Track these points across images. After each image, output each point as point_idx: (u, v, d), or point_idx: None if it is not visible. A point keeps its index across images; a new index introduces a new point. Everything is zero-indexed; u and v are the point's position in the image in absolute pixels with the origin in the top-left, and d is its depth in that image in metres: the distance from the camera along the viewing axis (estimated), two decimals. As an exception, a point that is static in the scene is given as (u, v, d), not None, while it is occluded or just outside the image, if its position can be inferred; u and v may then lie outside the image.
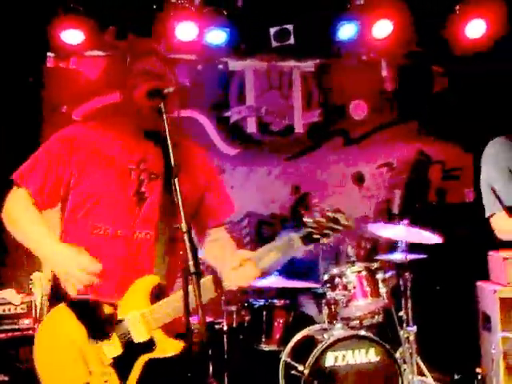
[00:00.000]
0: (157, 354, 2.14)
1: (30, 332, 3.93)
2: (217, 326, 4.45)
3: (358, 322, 4.22)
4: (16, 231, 2.24)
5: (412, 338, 4.31)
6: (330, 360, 3.86)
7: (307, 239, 2.24)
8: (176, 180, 2.00)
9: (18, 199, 2.26)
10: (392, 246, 4.94)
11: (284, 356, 4.08)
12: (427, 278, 5.17)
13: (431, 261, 4.80)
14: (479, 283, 4.80)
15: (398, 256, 4.62)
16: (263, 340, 4.30)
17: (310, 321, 4.59)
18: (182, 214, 1.96)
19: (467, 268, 5.08)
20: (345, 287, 4.20)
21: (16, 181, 2.27)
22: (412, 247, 4.53)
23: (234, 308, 4.49)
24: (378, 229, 4.67)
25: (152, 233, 2.24)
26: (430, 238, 4.43)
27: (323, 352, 3.84)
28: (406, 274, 4.41)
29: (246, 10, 5.25)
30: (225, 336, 4.37)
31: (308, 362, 3.81)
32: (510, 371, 4.11)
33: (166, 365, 2.16)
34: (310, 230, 2.22)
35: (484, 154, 2.89)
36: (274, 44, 5.51)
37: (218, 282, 2.22)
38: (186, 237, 1.93)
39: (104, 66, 5.59)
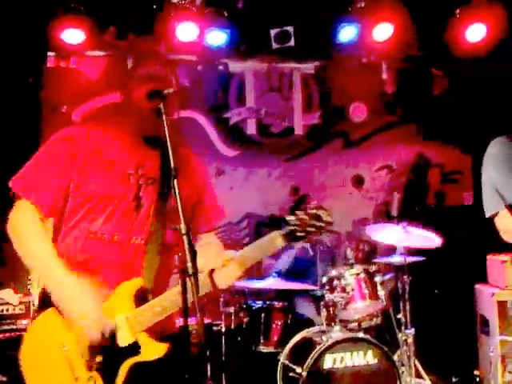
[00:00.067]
0: (142, 357, 2.12)
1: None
2: (215, 328, 4.44)
3: (356, 324, 4.21)
4: (24, 254, 2.19)
5: (410, 340, 4.31)
6: (328, 362, 3.86)
7: (290, 237, 2.24)
8: (175, 182, 1.99)
9: (26, 218, 2.19)
10: (391, 248, 4.94)
11: (282, 358, 4.08)
12: (426, 281, 5.18)
13: (430, 263, 4.81)
14: (478, 286, 4.81)
15: (396, 259, 4.63)
16: (261, 342, 4.30)
17: (309, 323, 4.59)
18: (182, 215, 1.96)
19: (466, 271, 5.09)
20: (343, 289, 4.20)
21: (19, 193, 2.21)
22: (411, 250, 4.54)
23: (232, 309, 4.48)
24: (375, 233, 4.66)
25: (145, 238, 2.24)
26: (430, 238, 4.42)
27: (321, 354, 3.84)
28: (405, 276, 4.41)
29: (246, 12, 5.25)
30: (223, 337, 4.37)
31: (306, 364, 3.81)
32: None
33: (152, 368, 2.14)
34: (292, 227, 2.23)
35: (486, 154, 2.88)
36: (275, 46, 5.51)
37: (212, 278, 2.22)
38: (185, 238, 1.93)
39: (104, 65, 5.60)
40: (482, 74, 5.58)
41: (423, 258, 4.72)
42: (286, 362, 4.04)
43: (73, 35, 4.99)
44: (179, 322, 2.62)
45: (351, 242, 5.95)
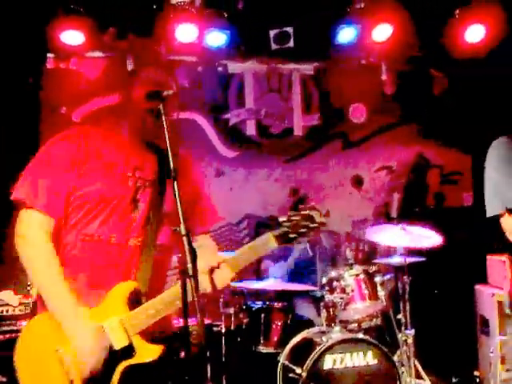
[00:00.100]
0: (136, 360, 2.12)
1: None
2: (215, 329, 4.44)
3: (356, 324, 4.21)
4: (32, 277, 2.18)
5: (410, 341, 4.31)
6: (328, 363, 3.86)
7: (282, 238, 2.24)
8: (175, 183, 1.99)
9: (36, 234, 2.16)
10: (391, 249, 4.94)
11: (282, 358, 4.08)
12: (425, 282, 5.18)
13: (430, 264, 4.81)
14: (477, 287, 4.82)
15: (396, 259, 4.63)
16: (261, 342, 4.30)
17: (308, 323, 4.59)
18: (181, 216, 1.96)
19: (466, 271, 5.09)
20: (343, 290, 4.20)
21: (24, 201, 2.18)
22: (410, 250, 4.54)
23: (232, 310, 4.48)
24: (375, 235, 4.66)
25: (141, 240, 2.24)
26: (429, 237, 4.42)
27: (321, 355, 3.84)
28: (405, 277, 4.41)
29: (246, 13, 5.25)
30: (223, 338, 4.36)
31: (306, 364, 3.81)
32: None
33: (146, 370, 2.14)
34: (285, 229, 2.23)
35: (487, 155, 2.89)
36: (274, 47, 5.52)
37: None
38: (184, 239, 1.93)
39: (104, 66, 5.60)
40: (482, 74, 5.59)
41: (423, 259, 4.72)
42: (286, 363, 4.04)
43: (72, 36, 5.00)
44: (178, 322, 2.63)
45: (351, 242, 5.96)
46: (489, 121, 5.34)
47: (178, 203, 1.97)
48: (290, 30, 5.43)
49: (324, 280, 4.34)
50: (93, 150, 2.24)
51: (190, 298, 1.95)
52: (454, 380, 4.94)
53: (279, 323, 4.35)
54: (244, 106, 6.11)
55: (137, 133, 2.30)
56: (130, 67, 2.40)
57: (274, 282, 4.59)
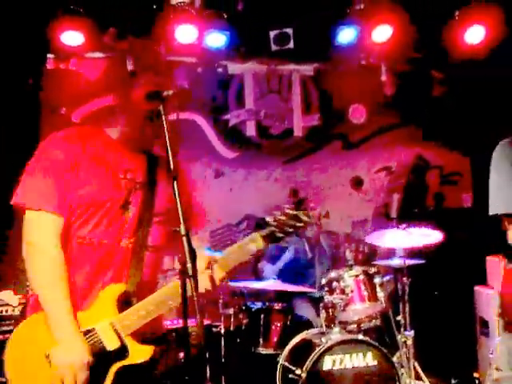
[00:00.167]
0: (129, 360, 2.13)
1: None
2: (214, 329, 4.44)
3: (355, 326, 4.21)
4: (36, 290, 2.17)
5: (410, 342, 4.31)
6: (327, 364, 3.86)
7: (269, 238, 2.27)
8: (175, 183, 2.00)
9: (47, 241, 2.14)
10: (390, 250, 4.94)
11: (281, 359, 4.08)
12: (425, 283, 5.18)
13: (429, 265, 4.80)
14: (477, 288, 4.81)
15: (396, 261, 4.62)
16: (261, 343, 4.30)
17: (308, 324, 4.59)
18: (181, 217, 1.96)
19: (465, 273, 5.09)
20: (342, 291, 4.20)
21: (30, 206, 2.16)
22: (410, 252, 4.54)
23: (231, 311, 4.48)
24: (376, 239, 4.67)
25: (133, 241, 2.25)
26: (429, 235, 4.42)
27: (321, 356, 3.84)
28: (404, 278, 4.41)
29: (245, 13, 5.25)
30: (222, 339, 4.36)
31: (305, 365, 3.81)
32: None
33: (138, 371, 2.15)
34: (272, 228, 2.25)
35: (492, 157, 2.88)
36: (274, 47, 5.52)
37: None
38: (184, 239, 1.93)
39: (104, 67, 5.60)
40: (481, 75, 5.59)
41: (423, 261, 4.71)
42: (286, 364, 4.04)
43: (72, 37, 5.00)
44: (177, 323, 2.63)
45: (351, 243, 5.96)
46: (488, 122, 5.34)
47: (178, 203, 1.97)
48: (289, 30, 5.43)
49: (323, 281, 4.34)
50: (89, 153, 2.24)
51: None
52: (453, 381, 4.94)
53: (279, 324, 4.35)
54: (244, 106, 6.12)
55: (131, 137, 2.31)
56: (129, 68, 2.40)
57: (273, 282, 4.58)
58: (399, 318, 4.40)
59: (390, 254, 4.92)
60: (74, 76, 5.57)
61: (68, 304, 2.11)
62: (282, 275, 4.81)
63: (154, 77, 2.26)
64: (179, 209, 1.96)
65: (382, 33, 5.35)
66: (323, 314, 4.26)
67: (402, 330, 4.37)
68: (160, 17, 4.95)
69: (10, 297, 4.11)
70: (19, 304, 4.10)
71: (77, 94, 5.59)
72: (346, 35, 5.45)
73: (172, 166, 2.00)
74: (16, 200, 2.19)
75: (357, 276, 4.23)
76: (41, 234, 2.16)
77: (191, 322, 1.94)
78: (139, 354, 2.14)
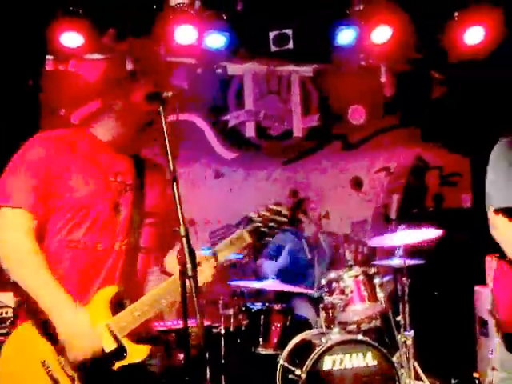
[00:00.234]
0: (127, 360, 2.14)
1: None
2: (214, 330, 4.45)
3: (355, 326, 4.21)
4: (19, 281, 2.14)
5: (409, 342, 4.31)
6: (327, 364, 3.86)
7: (255, 233, 2.37)
8: (175, 185, 2.00)
9: (17, 234, 2.12)
10: (390, 250, 4.94)
11: (281, 360, 4.08)
12: (425, 283, 5.18)
13: (429, 266, 4.80)
14: (477, 288, 4.82)
15: (395, 261, 4.63)
16: (260, 344, 4.30)
17: (308, 325, 4.59)
18: (181, 217, 1.96)
19: (465, 273, 5.09)
20: (342, 291, 4.20)
21: (6, 202, 2.13)
22: (410, 252, 4.54)
23: (231, 312, 4.48)
24: (378, 241, 4.68)
25: (126, 242, 2.25)
26: (429, 232, 4.43)
27: (320, 356, 3.84)
28: (404, 278, 4.41)
29: (245, 14, 5.26)
30: (222, 340, 4.37)
31: (305, 366, 3.81)
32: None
33: (136, 371, 2.16)
34: (256, 224, 2.36)
35: (490, 156, 2.88)
36: (273, 48, 5.53)
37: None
38: (184, 240, 1.94)
39: (103, 68, 5.59)
40: (481, 76, 5.60)
41: (422, 261, 4.72)
42: (286, 364, 4.04)
43: (71, 38, 5.01)
44: (177, 323, 2.63)
45: (350, 244, 5.96)
46: (488, 122, 5.35)
47: (178, 204, 1.97)
48: (289, 31, 5.44)
49: (323, 281, 4.34)
50: (80, 154, 2.23)
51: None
52: (453, 381, 4.94)
53: (278, 325, 4.35)
54: (243, 107, 6.12)
55: (126, 138, 2.31)
56: (129, 69, 2.40)
57: (272, 283, 4.58)
58: (399, 318, 4.40)
59: (390, 253, 4.92)
60: (73, 77, 5.57)
61: (56, 283, 2.09)
62: (282, 275, 4.81)
63: (154, 78, 2.27)
64: (179, 210, 1.96)
65: (382, 34, 5.36)
66: (323, 314, 4.26)
67: (401, 330, 4.37)
68: (159, 18, 4.95)
69: (8, 299, 4.11)
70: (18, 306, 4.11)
71: (76, 95, 5.59)
72: (345, 36, 5.45)
73: (171, 168, 2.00)
74: None
75: (356, 276, 4.23)
76: (12, 229, 2.13)
77: (191, 323, 1.95)
78: (137, 353, 2.15)
